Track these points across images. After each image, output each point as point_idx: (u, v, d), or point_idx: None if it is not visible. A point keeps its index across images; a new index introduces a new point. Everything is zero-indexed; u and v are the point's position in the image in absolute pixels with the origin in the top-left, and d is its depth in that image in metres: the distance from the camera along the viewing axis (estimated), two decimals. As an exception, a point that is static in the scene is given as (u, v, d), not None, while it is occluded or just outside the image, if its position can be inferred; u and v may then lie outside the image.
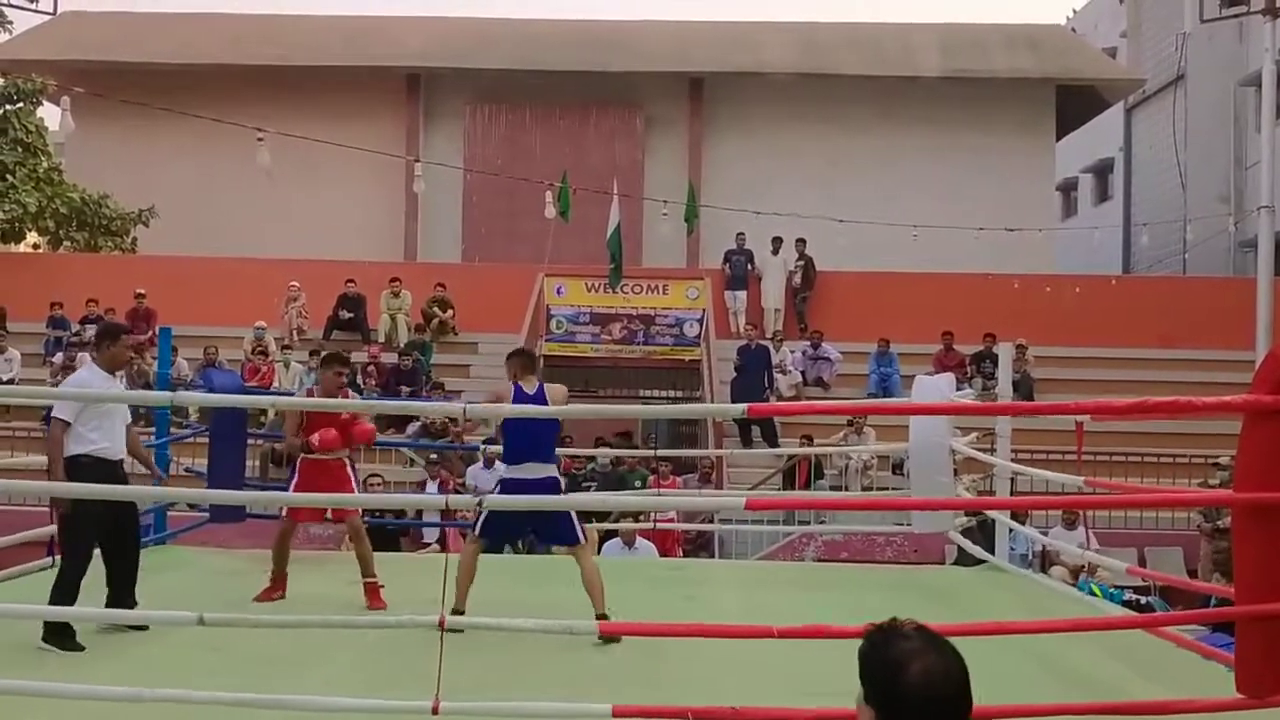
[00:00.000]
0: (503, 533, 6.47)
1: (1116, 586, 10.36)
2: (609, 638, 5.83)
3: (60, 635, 5.77)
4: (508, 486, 6.40)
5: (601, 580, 6.20)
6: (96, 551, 6.23)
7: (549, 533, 6.54)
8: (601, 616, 5.95)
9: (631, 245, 19.71)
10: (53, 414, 6.12)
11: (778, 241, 19.06)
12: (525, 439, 6.37)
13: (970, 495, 9.84)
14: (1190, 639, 5.87)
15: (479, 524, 6.35)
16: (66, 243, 21.65)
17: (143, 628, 6.00)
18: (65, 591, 5.92)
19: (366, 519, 11.58)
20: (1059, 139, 23.43)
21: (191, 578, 8.07)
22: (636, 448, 15.56)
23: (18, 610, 5.63)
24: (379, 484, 12.86)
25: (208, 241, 20.39)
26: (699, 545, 13.16)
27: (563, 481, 6.66)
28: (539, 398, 6.46)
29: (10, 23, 21.39)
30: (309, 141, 16.66)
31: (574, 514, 6.37)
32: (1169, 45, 24.90)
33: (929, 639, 2.13)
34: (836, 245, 18.64)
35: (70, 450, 6.04)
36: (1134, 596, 10.33)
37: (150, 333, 16.82)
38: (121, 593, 6.16)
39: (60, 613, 5.66)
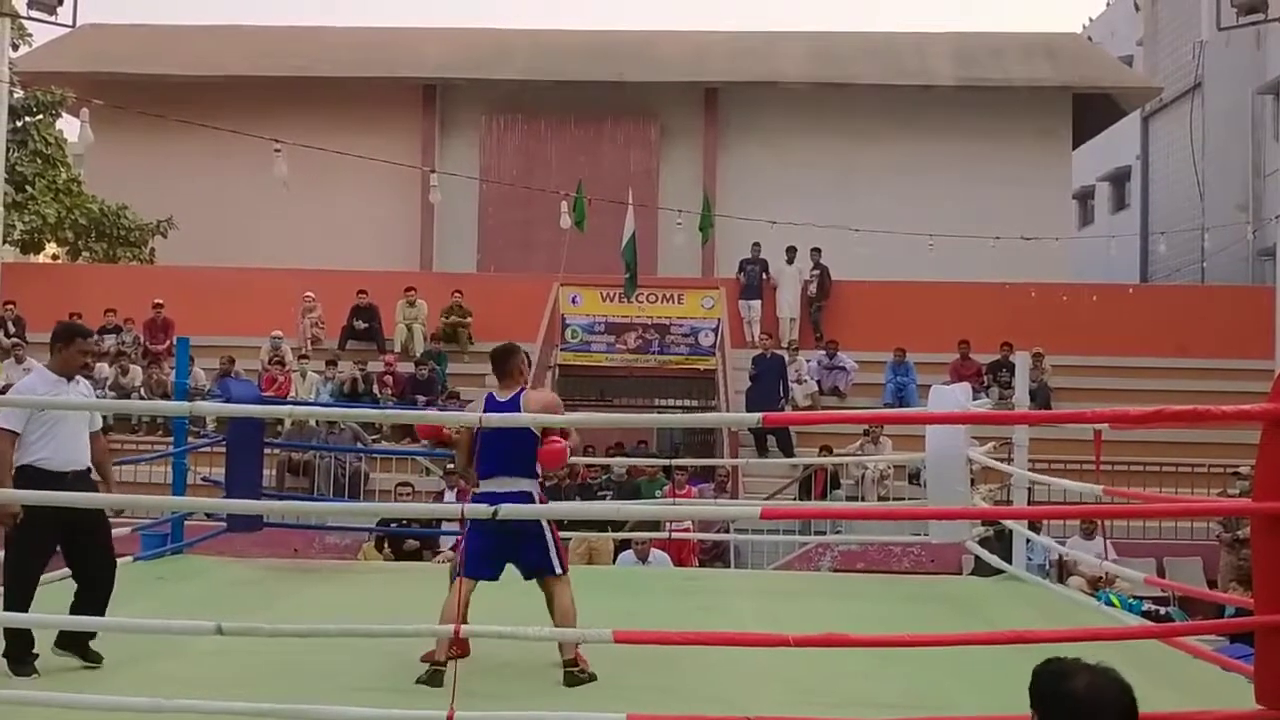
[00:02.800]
0: (488, 564, 5.65)
1: (1135, 597, 10.29)
2: (573, 678, 5.46)
3: (18, 660, 5.42)
4: (479, 501, 5.57)
5: (576, 619, 5.61)
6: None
7: (526, 561, 5.73)
8: (570, 663, 5.47)
9: (646, 255, 19.71)
10: None
11: (792, 251, 19.05)
12: (492, 451, 5.65)
13: (987, 505, 9.82)
14: (1209, 650, 5.83)
15: (461, 561, 5.64)
16: (85, 253, 21.78)
17: (96, 664, 5.61)
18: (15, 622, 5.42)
19: (394, 529, 11.61)
20: (1075, 147, 23.35)
21: (209, 587, 8.09)
22: (658, 455, 15.57)
23: (43, 620, 5.64)
24: (409, 494, 12.90)
25: (225, 252, 20.49)
26: (714, 555, 13.14)
27: (538, 497, 5.80)
28: (511, 406, 5.73)
29: (30, 35, 21.53)
30: (326, 152, 16.73)
31: (555, 541, 5.75)
32: (1186, 53, 24.82)
33: (1096, 667, 2.44)
34: (852, 254, 18.60)
35: (22, 459, 5.56)
36: (1153, 607, 10.26)
37: (168, 342, 16.92)
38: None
39: (79, 622, 5.64)
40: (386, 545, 11.87)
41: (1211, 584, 12.32)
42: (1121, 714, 2.34)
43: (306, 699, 4.85)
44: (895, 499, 13.77)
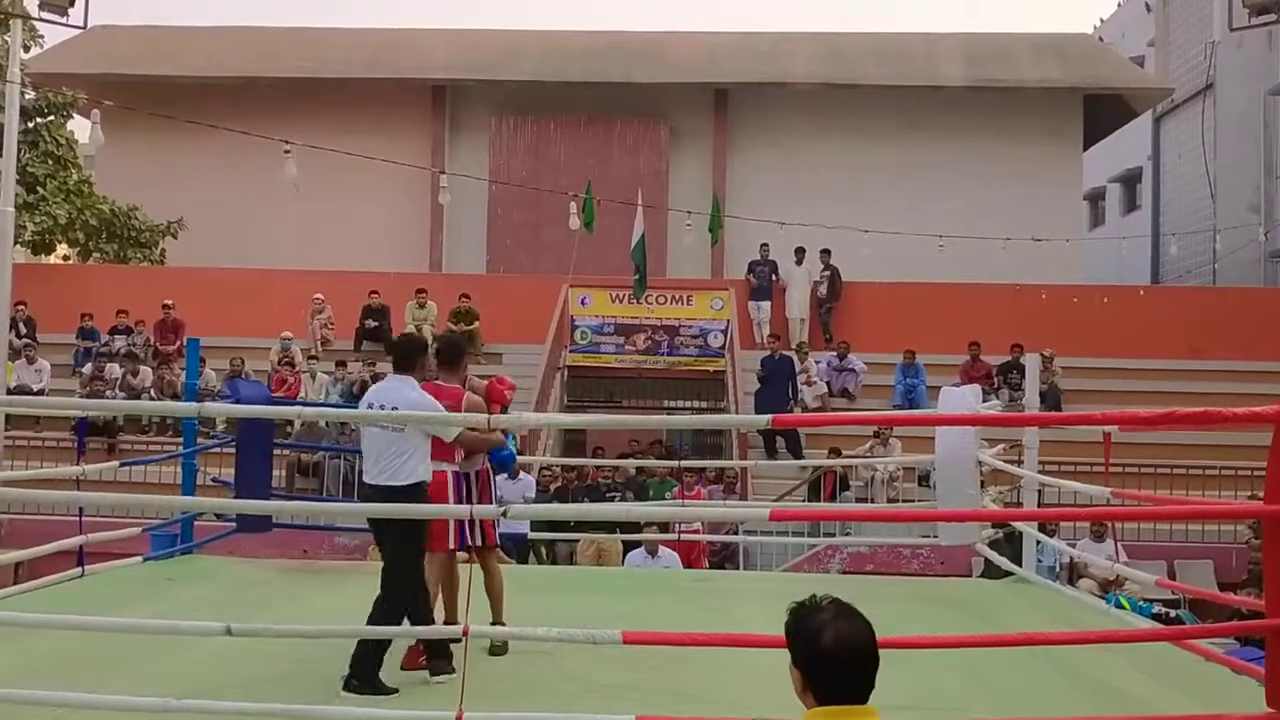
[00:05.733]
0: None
1: (1145, 599, 10.28)
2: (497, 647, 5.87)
3: (374, 683, 5.25)
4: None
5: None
6: None
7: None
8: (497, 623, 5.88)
9: (656, 256, 19.70)
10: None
11: (801, 252, 19.02)
12: None
13: (997, 507, 9.79)
14: (1219, 652, 5.81)
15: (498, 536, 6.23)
16: (96, 254, 21.84)
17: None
18: (393, 621, 5.36)
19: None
20: (1086, 148, 23.29)
21: (218, 588, 8.09)
22: (666, 457, 15.53)
23: (51, 620, 5.65)
24: None
25: (235, 253, 20.53)
26: (724, 557, 13.13)
27: None
28: None
29: (41, 36, 21.63)
30: (336, 154, 16.75)
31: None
32: (1197, 54, 24.75)
33: (840, 609, 2.58)
34: (862, 256, 18.58)
35: (422, 475, 5.75)
36: (1163, 609, 10.24)
37: (178, 343, 16.95)
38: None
39: (86, 623, 5.65)
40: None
41: (1223, 586, 12.27)
42: (872, 662, 2.55)
43: (316, 700, 4.85)
44: (905, 501, 13.74)
